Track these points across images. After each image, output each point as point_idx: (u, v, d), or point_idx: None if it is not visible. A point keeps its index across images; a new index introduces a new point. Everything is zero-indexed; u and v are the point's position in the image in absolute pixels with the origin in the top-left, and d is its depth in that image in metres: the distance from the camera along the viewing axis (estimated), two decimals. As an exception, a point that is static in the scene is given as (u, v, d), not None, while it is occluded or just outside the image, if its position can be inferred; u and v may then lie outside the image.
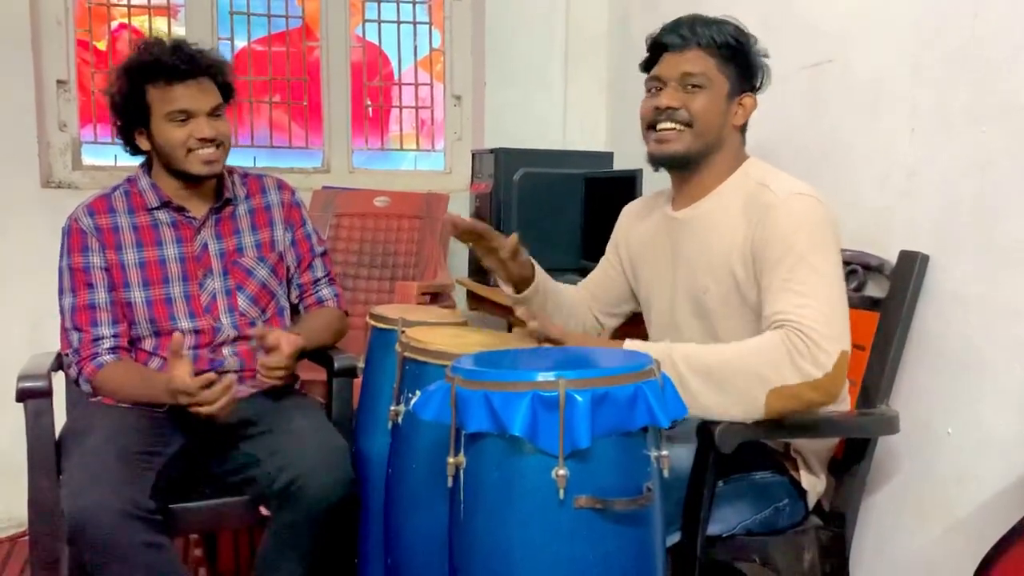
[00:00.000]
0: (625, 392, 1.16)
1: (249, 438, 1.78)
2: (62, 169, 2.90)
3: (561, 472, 1.13)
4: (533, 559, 1.16)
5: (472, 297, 1.83)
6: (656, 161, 1.66)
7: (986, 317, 1.57)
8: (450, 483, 1.23)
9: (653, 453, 1.22)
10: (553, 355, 1.42)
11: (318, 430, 1.77)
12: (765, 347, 1.41)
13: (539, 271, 1.78)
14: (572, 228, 2.61)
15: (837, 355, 1.40)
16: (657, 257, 1.74)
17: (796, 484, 1.62)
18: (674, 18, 1.66)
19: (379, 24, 3.26)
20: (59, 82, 2.87)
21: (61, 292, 1.87)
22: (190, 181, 1.88)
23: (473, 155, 2.88)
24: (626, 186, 2.38)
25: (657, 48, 1.65)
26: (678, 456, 1.40)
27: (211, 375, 1.68)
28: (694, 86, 1.59)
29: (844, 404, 1.65)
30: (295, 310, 2.07)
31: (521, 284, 1.75)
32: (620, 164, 2.74)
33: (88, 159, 2.96)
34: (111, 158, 2.96)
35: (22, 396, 1.71)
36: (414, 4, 3.28)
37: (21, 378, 1.73)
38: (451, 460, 1.21)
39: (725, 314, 1.59)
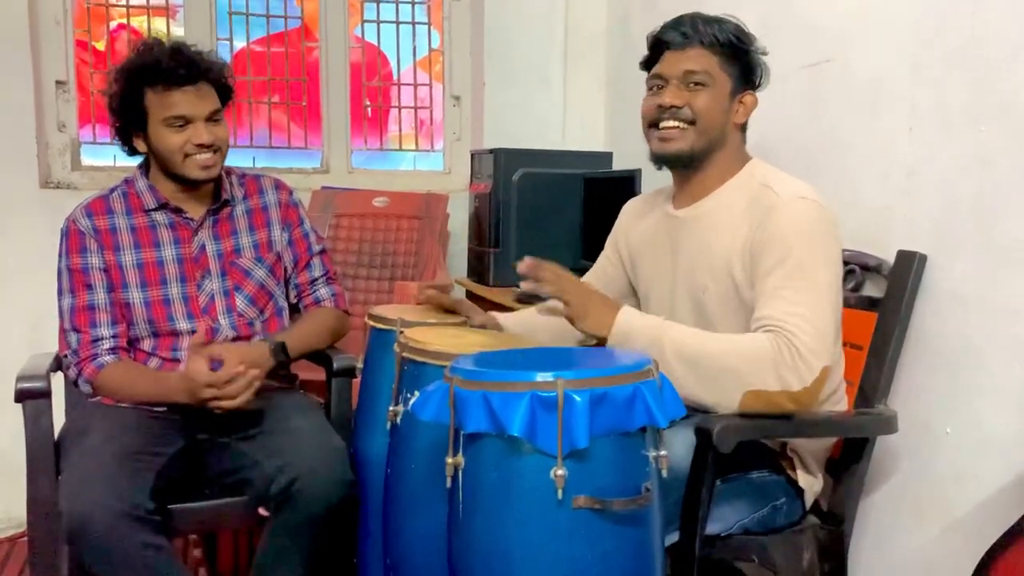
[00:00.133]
0: (623, 392, 1.16)
1: (248, 439, 1.78)
2: (61, 169, 2.90)
3: (560, 472, 1.13)
4: (532, 559, 1.16)
5: (471, 297, 1.85)
6: (659, 159, 1.66)
7: (985, 316, 1.57)
8: (449, 483, 1.23)
9: (651, 453, 1.22)
10: (552, 355, 1.42)
11: (317, 431, 1.77)
12: (752, 349, 1.42)
13: (506, 324, 1.82)
14: (571, 228, 2.61)
15: (819, 371, 1.42)
16: (657, 255, 1.74)
17: (793, 483, 1.63)
18: (674, 16, 1.66)
19: (378, 24, 3.26)
20: (58, 82, 2.87)
21: (60, 293, 1.87)
22: (188, 184, 1.88)
23: (472, 155, 2.88)
24: (625, 186, 2.38)
25: (658, 46, 1.65)
26: (677, 450, 1.40)
27: (239, 368, 1.68)
28: (697, 84, 1.59)
29: (842, 404, 1.66)
30: (295, 309, 2.07)
31: None
32: (619, 164, 2.74)
33: (87, 160, 2.96)
34: (110, 158, 2.97)
35: (21, 397, 1.71)
36: (413, 4, 3.28)
37: (20, 379, 1.73)
38: (450, 460, 1.21)
39: (723, 314, 1.59)
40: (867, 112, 1.83)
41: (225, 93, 1.89)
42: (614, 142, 3.06)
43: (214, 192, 1.94)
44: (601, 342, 1.53)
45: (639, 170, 2.37)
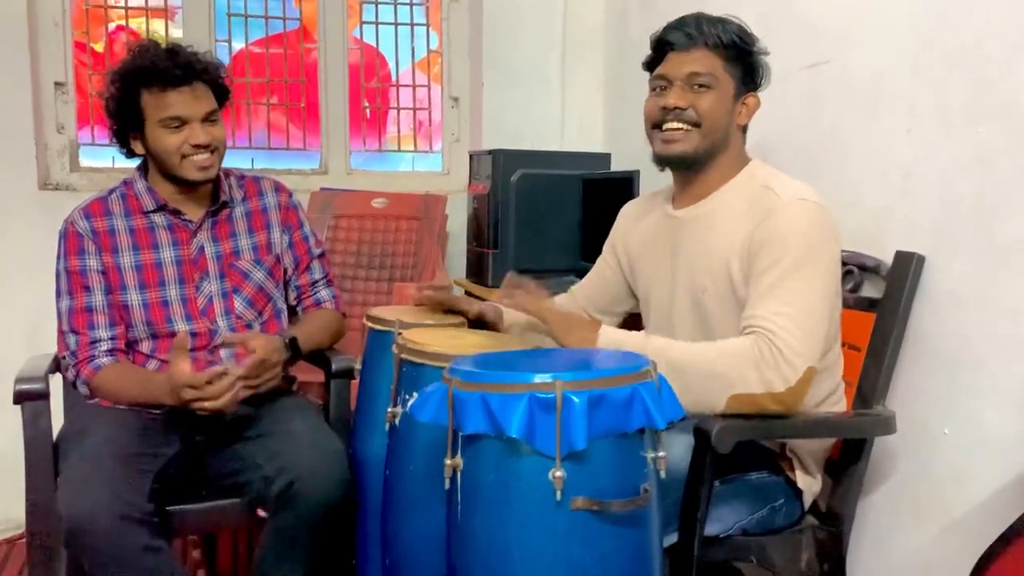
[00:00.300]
0: (622, 393, 1.16)
1: (246, 440, 1.78)
2: (59, 171, 2.90)
3: (558, 473, 1.13)
4: (530, 560, 1.16)
5: (470, 297, 1.85)
6: (662, 161, 1.66)
7: (983, 317, 1.57)
8: (447, 485, 1.23)
9: (650, 454, 1.22)
10: (550, 357, 1.42)
11: (315, 433, 1.77)
12: (734, 352, 1.43)
13: (507, 316, 1.82)
14: (570, 229, 2.61)
15: (803, 371, 1.42)
16: (657, 256, 1.74)
17: (792, 484, 1.63)
18: (675, 17, 1.66)
19: (376, 26, 3.26)
20: (56, 84, 2.87)
21: (58, 295, 1.87)
22: (186, 185, 1.88)
23: (471, 156, 2.88)
24: (624, 187, 2.38)
25: (662, 47, 1.64)
26: (675, 451, 1.40)
27: (217, 369, 1.67)
28: (701, 86, 1.59)
29: (840, 405, 1.66)
30: (293, 312, 2.07)
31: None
32: (618, 165, 2.74)
33: (86, 161, 2.96)
34: (109, 160, 2.96)
35: (19, 398, 1.71)
36: (411, 6, 3.28)
37: (18, 380, 1.73)
38: (448, 462, 1.22)
39: (721, 314, 1.59)
40: (866, 112, 1.84)
41: (222, 93, 1.89)
42: (612, 143, 3.06)
43: (213, 194, 1.94)
44: None
45: (637, 171, 2.37)
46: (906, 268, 1.67)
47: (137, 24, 3.01)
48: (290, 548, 1.71)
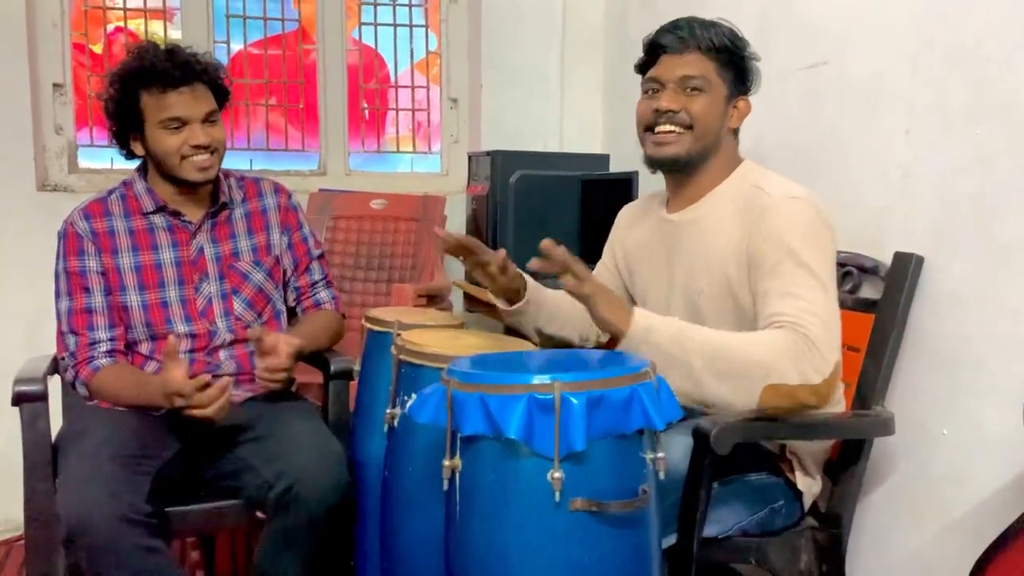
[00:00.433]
0: (620, 395, 1.16)
1: (245, 443, 1.78)
2: (58, 172, 2.90)
3: (557, 475, 1.13)
4: (529, 562, 1.17)
5: (469, 299, 1.84)
6: (654, 163, 1.66)
7: (982, 317, 1.57)
8: (446, 486, 1.23)
9: (649, 455, 1.22)
10: (549, 358, 1.42)
11: (314, 435, 1.77)
12: (771, 342, 1.42)
13: (531, 284, 1.76)
14: (569, 230, 2.61)
15: (833, 364, 1.43)
16: (653, 260, 1.75)
17: (792, 485, 1.63)
18: (670, 20, 1.66)
19: (375, 27, 3.26)
20: (55, 85, 2.86)
21: (57, 296, 1.87)
22: (185, 186, 1.88)
23: (469, 157, 2.88)
24: (622, 188, 2.38)
25: (654, 50, 1.65)
26: (674, 452, 1.40)
27: (206, 377, 1.67)
28: (694, 89, 1.60)
29: (839, 406, 1.66)
30: (292, 313, 2.07)
31: (513, 297, 1.74)
32: (616, 166, 2.74)
33: (84, 162, 2.96)
34: (107, 161, 2.96)
35: (18, 400, 1.71)
36: (410, 7, 3.28)
37: (17, 382, 1.73)
38: (447, 463, 1.22)
39: (717, 316, 1.59)
40: (866, 113, 1.84)
41: (221, 94, 1.89)
42: (611, 144, 3.06)
43: (212, 195, 1.94)
44: (614, 339, 1.49)
45: (636, 172, 2.37)
46: (905, 269, 1.67)
47: (136, 25, 3.01)
48: (289, 550, 1.70)
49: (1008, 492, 1.52)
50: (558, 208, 2.61)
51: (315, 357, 1.98)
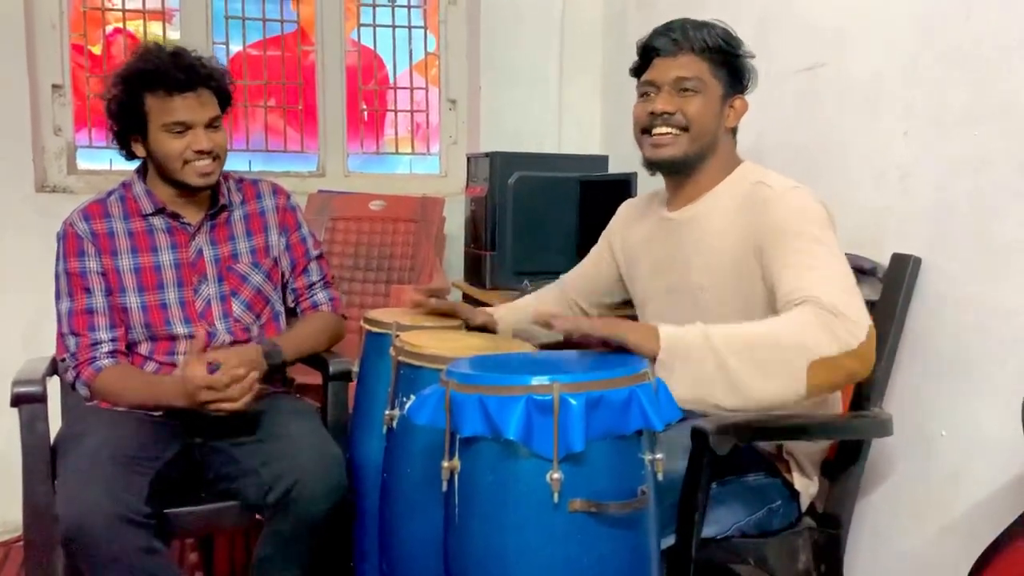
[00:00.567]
0: (619, 396, 1.16)
1: (244, 444, 1.78)
2: (57, 173, 2.90)
3: (556, 476, 1.13)
4: (528, 563, 1.17)
5: (468, 300, 1.85)
6: (652, 165, 1.67)
7: (980, 318, 1.57)
8: (445, 487, 1.23)
9: (647, 456, 1.23)
10: (548, 359, 1.42)
11: (312, 438, 1.77)
12: (799, 320, 1.37)
13: (501, 323, 1.85)
14: (567, 231, 2.61)
15: (867, 326, 1.38)
16: (653, 258, 1.75)
17: (789, 486, 1.63)
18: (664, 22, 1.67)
19: (374, 28, 3.26)
20: (54, 86, 2.86)
21: (58, 297, 1.87)
22: (185, 189, 1.88)
23: (468, 159, 2.88)
24: (621, 189, 2.38)
25: (648, 52, 1.66)
26: (673, 455, 1.40)
27: (239, 371, 1.68)
28: (688, 90, 1.60)
29: (837, 406, 1.66)
30: (292, 314, 2.07)
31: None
32: (615, 167, 2.74)
33: (83, 163, 2.96)
34: (106, 162, 2.96)
35: (17, 401, 1.71)
36: (409, 8, 3.28)
37: (16, 383, 1.73)
38: (446, 464, 1.22)
39: (722, 313, 1.59)
40: (864, 114, 1.84)
41: (225, 100, 1.89)
42: (610, 145, 3.06)
43: (211, 197, 1.94)
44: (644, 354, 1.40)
45: (635, 173, 2.37)
46: (903, 270, 1.67)
47: (135, 27, 3.01)
48: (288, 553, 1.71)
49: (1006, 493, 1.52)
50: (557, 209, 2.61)
51: (314, 358, 1.98)
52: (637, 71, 1.70)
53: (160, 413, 1.78)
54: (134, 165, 1.96)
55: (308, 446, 1.73)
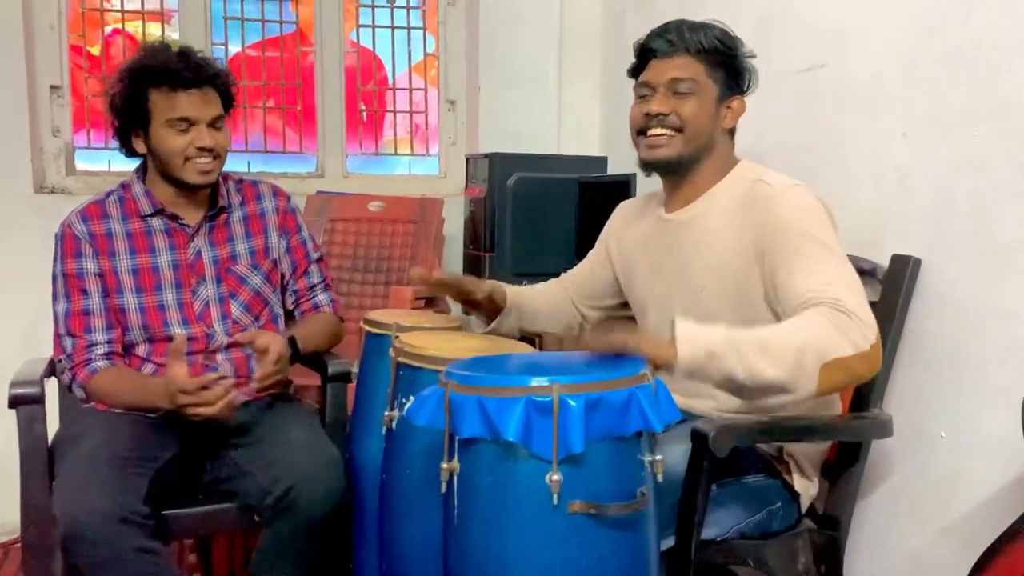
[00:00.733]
0: (619, 397, 1.16)
1: (242, 447, 1.78)
2: (55, 174, 2.89)
3: (555, 477, 1.13)
4: (527, 564, 1.16)
5: (467, 301, 1.85)
6: (647, 166, 1.67)
7: (979, 318, 1.57)
8: (444, 488, 1.23)
9: (647, 458, 1.22)
10: (547, 360, 1.42)
11: (311, 440, 1.77)
12: (811, 323, 1.37)
13: (510, 294, 1.82)
14: (566, 232, 2.61)
15: (875, 327, 1.39)
16: (652, 259, 1.75)
17: (789, 487, 1.63)
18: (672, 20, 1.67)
19: (373, 29, 3.26)
20: (52, 87, 2.86)
21: (55, 298, 1.86)
22: (185, 189, 1.88)
23: (467, 159, 2.88)
24: (620, 190, 2.38)
25: (645, 54, 1.67)
26: (673, 456, 1.40)
27: (211, 375, 1.67)
28: (683, 92, 1.60)
29: (836, 407, 1.66)
30: (290, 316, 2.06)
31: (494, 314, 1.81)
32: (614, 168, 2.74)
33: (81, 164, 2.95)
34: (105, 163, 2.96)
35: (14, 402, 1.71)
36: (408, 9, 3.28)
37: (14, 384, 1.73)
38: (445, 465, 1.22)
39: (723, 313, 1.59)
40: (863, 114, 1.84)
41: (228, 101, 1.90)
42: (609, 146, 3.06)
43: (211, 198, 1.94)
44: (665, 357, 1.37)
45: (634, 174, 2.37)
46: (902, 271, 1.67)
47: (133, 27, 3.01)
48: (286, 554, 1.70)
49: (1006, 494, 1.52)
50: (556, 210, 2.61)
51: (313, 359, 1.98)
52: (634, 72, 1.70)
53: (158, 415, 1.78)
54: (132, 164, 1.96)
55: (307, 448, 1.72)
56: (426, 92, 3.34)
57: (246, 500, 1.73)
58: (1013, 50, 1.50)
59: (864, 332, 1.37)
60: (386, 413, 1.56)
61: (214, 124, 1.84)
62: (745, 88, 1.67)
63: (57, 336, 1.86)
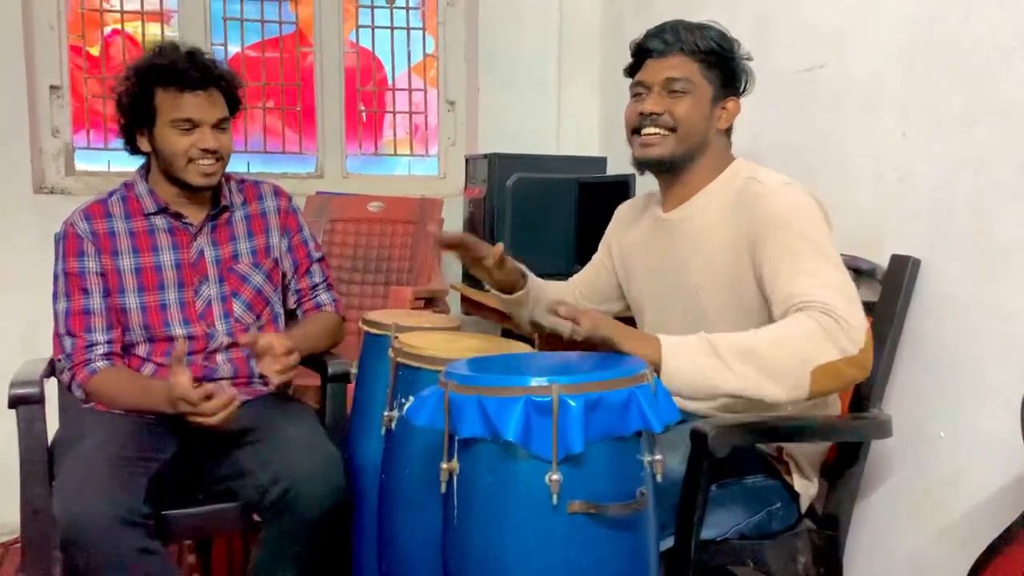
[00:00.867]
0: (618, 397, 1.16)
1: (242, 446, 1.77)
2: (55, 175, 2.90)
3: (555, 477, 1.13)
4: (527, 564, 1.16)
5: (466, 301, 1.85)
6: (641, 165, 1.68)
7: (979, 319, 1.57)
8: (443, 489, 1.23)
9: (646, 458, 1.22)
10: (546, 360, 1.42)
11: (310, 439, 1.76)
12: (799, 328, 1.37)
13: (530, 276, 1.79)
14: (566, 233, 2.61)
15: (864, 332, 1.39)
16: (649, 259, 1.75)
17: (788, 488, 1.63)
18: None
19: (372, 30, 3.26)
20: (52, 87, 2.86)
21: (55, 297, 1.86)
22: (187, 189, 1.88)
23: (467, 160, 2.88)
24: (619, 191, 2.38)
25: (641, 53, 1.67)
26: (672, 456, 1.40)
27: (212, 386, 1.67)
28: (677, 91, 1.61)
29: (835, 408, 1.66)
30: (292, 316, 2.06)
31: (510, 289, 1.76)
32: (613, 169, 2.74)
33: (81, 165, 2.95)
34: (104, 163, 2.96)
35: (14, 402, 1.70)
36: (407, 10, 3.28)
37: (13, 384, 1.73)
38: (444, 466, 1.21)
39: (718, 313, 1.59)
40: (862, 115, 1.84)
41: (233, 104, 1.90)
42: (608, 147, 3.06)
43: (213, 198, 1.94)
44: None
45: (633, 175, 2.36)
46: (902, 272, 1.67)
47: (133, 28, 3.01)
48: (286, 554, 1.70)
49: (1005, 494, 1.52)
50: (555, 211, 2.61)
51: (313, 359, 1.98)
52: (631, 71, 1.70)
53: (157, 415, 1.78)
54: (133, 164, 1.96)
55: (306, 448, 1.72)
56: (425, 93, 3.34)
57: (245, 499, 1.73)
58: (1012, 50, 1.50)
59: (852, 337, 1.37)
60: (385, 413, 1.56)
61: (218, 126, 1.84)
62: (741, 90, 1.67)
63: (57, 335, 1.86)
